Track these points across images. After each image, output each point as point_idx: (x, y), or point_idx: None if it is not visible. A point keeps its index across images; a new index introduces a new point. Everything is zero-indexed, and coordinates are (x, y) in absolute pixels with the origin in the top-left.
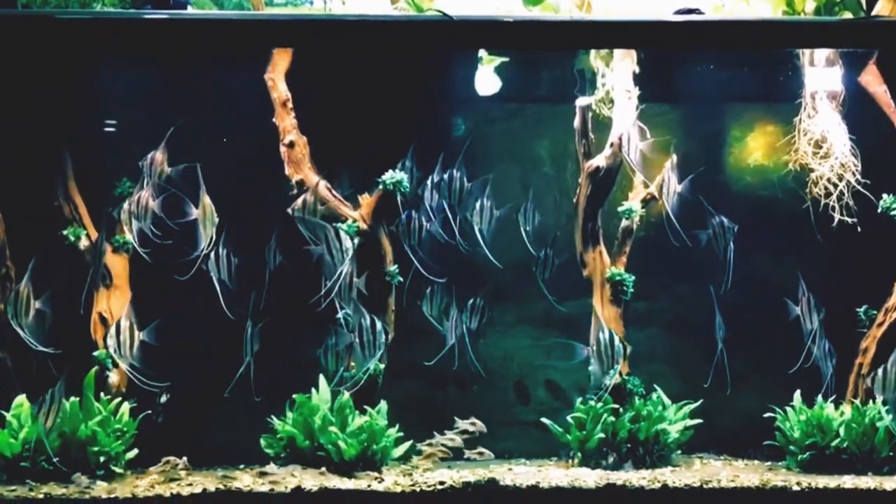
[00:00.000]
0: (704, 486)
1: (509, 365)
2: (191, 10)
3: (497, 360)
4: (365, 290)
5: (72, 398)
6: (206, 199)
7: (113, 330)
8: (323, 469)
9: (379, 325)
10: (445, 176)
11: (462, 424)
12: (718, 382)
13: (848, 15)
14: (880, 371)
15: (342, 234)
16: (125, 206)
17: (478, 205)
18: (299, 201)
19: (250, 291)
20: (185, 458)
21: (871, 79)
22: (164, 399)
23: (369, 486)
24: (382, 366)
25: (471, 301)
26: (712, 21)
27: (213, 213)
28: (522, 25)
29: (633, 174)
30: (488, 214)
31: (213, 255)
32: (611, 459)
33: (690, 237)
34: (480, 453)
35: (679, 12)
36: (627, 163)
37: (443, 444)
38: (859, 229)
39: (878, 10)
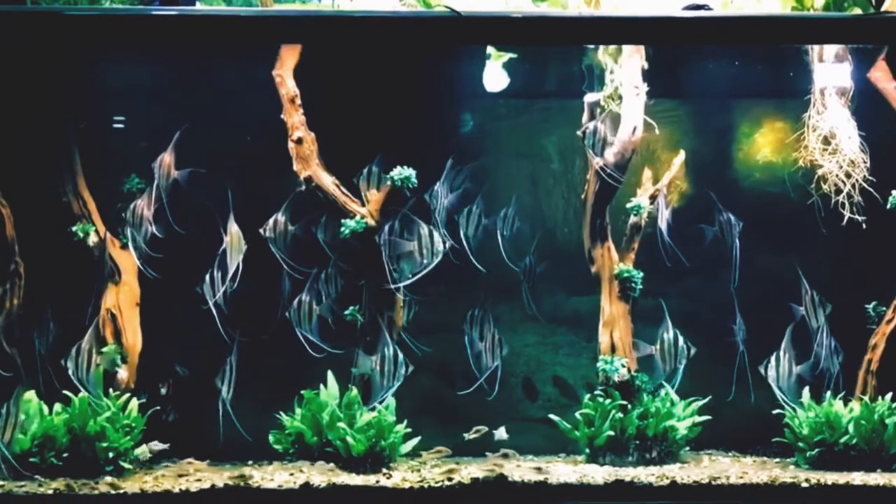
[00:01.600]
0: (713, 482)
1: (516, 361)
2: (199, 7)
3: (504, 357)
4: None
5: (80, 394)
6: (235, 227)
7: (73, 351)
8: (331, 465)
9: (401, 356)
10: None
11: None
12: (735, 383)
13: (857, 11)
14: (773, 359)
15: (436, 235)
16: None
17: (465, 211)
18: (271, 221)
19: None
20: (156, 442)
21: (881, 75)
22: (164, 391)
23: (378, 481)
24: None
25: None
26: (721, 17)
27: (241, 241)
28: (530, 21)
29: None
30: (475, 220)
31: (207, 277)
32: (619, 456)
33: (696, 235)
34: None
35: (688, 8)
36: (589, 154)
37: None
38: (864, 226)
39: (887, 5)
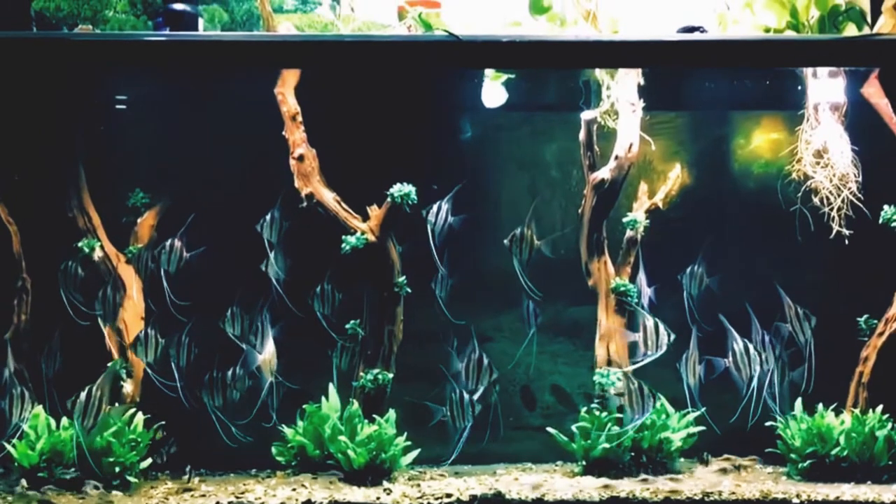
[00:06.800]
0: (706, 499)
1: (516, 370)
2: (201, 31)
3: (504, 366)
4: None
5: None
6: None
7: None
8: (333, 477)
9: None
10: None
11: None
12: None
13: (852, 26)
14: (684, 356)
15: (663, 329)
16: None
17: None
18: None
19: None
20: None
21: (874, 90)
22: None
23: (378, 498)
24: (390, 375)
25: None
26: (715, 41)
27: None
28: (528, 45)
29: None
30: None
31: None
32: (615, 467)
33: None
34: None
35: (683, 30)
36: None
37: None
38: (851, 239)
39: (879, 26)
